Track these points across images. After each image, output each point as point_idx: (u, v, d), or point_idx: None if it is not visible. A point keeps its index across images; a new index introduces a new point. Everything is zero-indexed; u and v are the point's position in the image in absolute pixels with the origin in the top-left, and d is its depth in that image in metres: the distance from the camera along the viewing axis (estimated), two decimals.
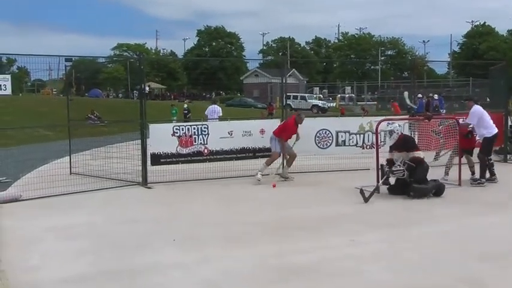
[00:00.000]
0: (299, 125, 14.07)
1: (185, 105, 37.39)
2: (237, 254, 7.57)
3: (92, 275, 6.72)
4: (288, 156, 14.13)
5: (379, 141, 12.82)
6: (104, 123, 25.45)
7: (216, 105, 21.77)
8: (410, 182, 11.27)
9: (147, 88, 33.00)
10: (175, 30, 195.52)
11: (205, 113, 20.90)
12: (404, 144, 11.74)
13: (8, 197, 11.32)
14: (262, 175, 13.42)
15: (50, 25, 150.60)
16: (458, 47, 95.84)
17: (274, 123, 14.64)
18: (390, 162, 11.68)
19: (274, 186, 12.87)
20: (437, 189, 11.37)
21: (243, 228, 9.03)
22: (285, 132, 13.91)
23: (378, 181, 11.71)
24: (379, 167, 11.88)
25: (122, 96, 71.35)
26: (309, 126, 14.93)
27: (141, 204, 11.34)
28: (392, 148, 11.87)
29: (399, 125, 12.26)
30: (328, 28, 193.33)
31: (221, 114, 20.44)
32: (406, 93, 38.83)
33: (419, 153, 11.63)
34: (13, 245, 8.12)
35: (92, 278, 6.64)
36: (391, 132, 11.87)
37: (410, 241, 8.17)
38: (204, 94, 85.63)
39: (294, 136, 14.07)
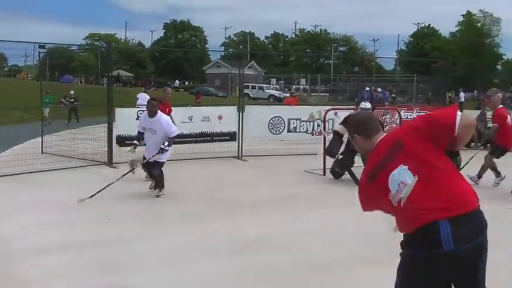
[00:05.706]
0: None
1: (72, 92, 28.25)
2: (193, 229, 7.74)
3: (64, 245, 6.82)
4: None
5: (326, 129, 13.22)
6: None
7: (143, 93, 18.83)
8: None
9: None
10: (144, 22, 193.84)
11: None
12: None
13: None
14: None
15: (28, 14, 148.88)
16: (405, 46, 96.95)
17: (233, 111, 14.84)
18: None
19: None
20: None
21: (198, 205, 9.27)
22: None
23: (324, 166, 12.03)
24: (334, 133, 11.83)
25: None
26: (264, 113, 15.37)
27: (108, 182, 11.36)
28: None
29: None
30: (286, 24, 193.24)
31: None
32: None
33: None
34: None
35: (63, 248, 6.73)
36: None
37: (355, 217, 8.18)
38: (168, 83, 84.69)
39: None
